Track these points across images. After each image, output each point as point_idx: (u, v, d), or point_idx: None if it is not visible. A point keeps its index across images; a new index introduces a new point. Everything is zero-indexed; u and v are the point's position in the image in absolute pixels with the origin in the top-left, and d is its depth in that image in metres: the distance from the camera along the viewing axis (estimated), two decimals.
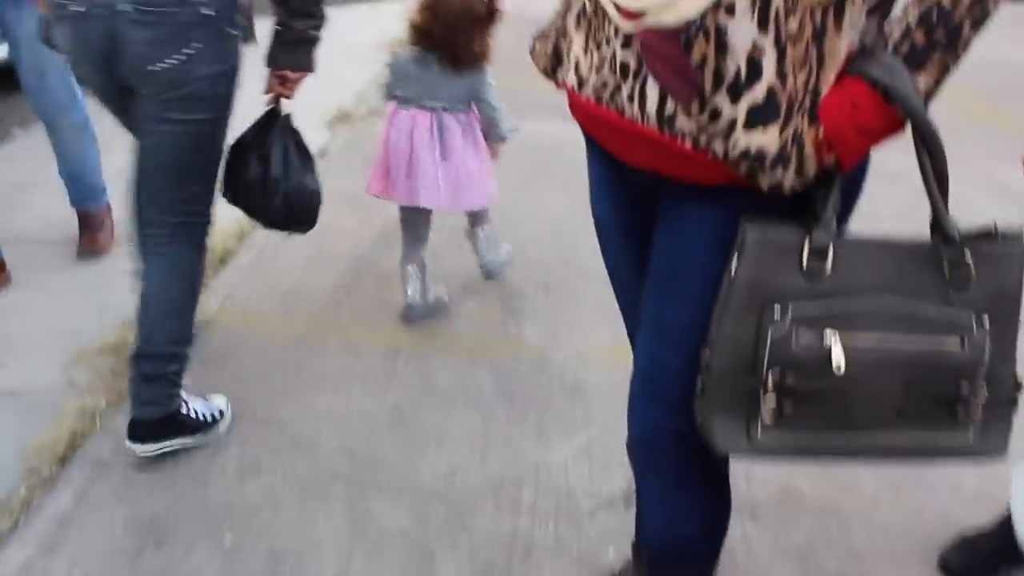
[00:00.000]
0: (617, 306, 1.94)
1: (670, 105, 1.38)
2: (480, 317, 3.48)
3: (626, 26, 1.38)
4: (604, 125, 1.51)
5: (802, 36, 1.31)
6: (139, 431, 2.57)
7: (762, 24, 1.30)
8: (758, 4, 1.29)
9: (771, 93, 1.33)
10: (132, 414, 2.58)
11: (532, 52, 1.72)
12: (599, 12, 1.44)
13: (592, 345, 3.28)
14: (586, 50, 1.50)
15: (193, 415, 2.66)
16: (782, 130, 1.34)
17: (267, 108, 2.63)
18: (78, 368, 2.99)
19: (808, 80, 1.34)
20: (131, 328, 3.16)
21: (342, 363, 3.12)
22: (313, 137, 4.91)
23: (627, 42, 1.40)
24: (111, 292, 3.43)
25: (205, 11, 2.27)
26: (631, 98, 1.42)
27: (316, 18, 2.47)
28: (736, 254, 1.43)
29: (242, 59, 2.44)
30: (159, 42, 2.26)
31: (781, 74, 1.32)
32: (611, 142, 1.56)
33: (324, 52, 2.62)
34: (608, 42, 1.43)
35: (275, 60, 2.52)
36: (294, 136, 2.68)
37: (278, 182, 2.61)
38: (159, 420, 2.59)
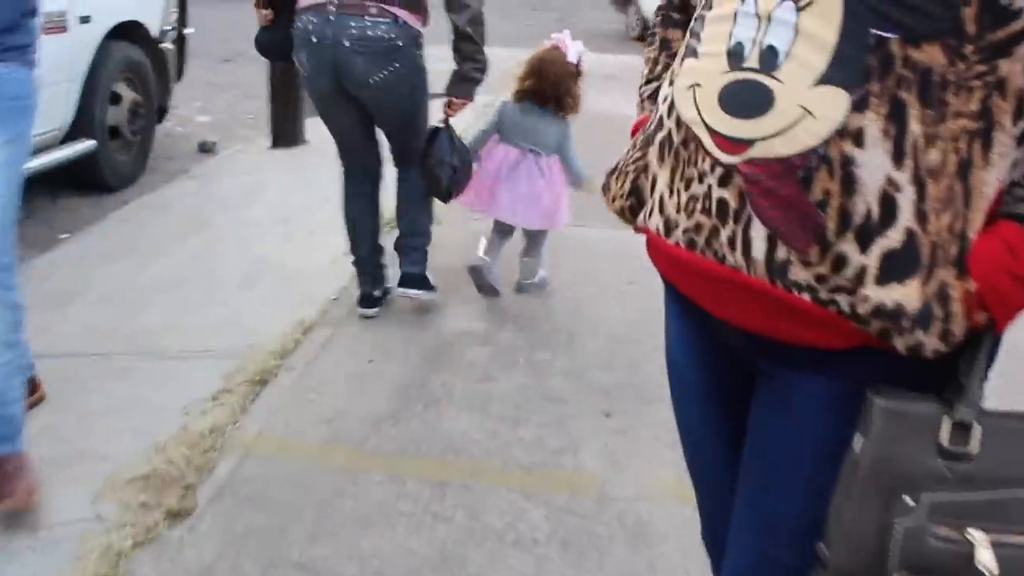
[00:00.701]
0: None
1: (782, 251, 1.14)
2: (534, 445, 3.24)
3: (726, 158, 1.17)
4: (696, 274, 1.27)
5: (945, 169, 1.09)
6: (409, 281, 4.08)
7: (897, 155, 1.08)
8: (892, 131, 1.08)
9: (910, 238, 1.10)
10: (403, 269, 4.11)
11: (604, 190, 1.50)
12: (690, 142, 1.23)
13: (656, 479, 3.02)
14: (672, 188, 1.27)
15: (431, 279, 4.15)
16: (925, 283, 1.10)
17: (440, 122, 3.83)
18: (106, 500, 2.80)
19: (954, 223, 1.11)
20: (163, 454, 3.01)
21: (386, 498, 2.89)
22: (321, 286, 4.69)
23: (726, 177, 1.17)
24: (144, 414, 3.26)
25: (398, 43, 3.57)
26: (732, 243, 1.18)
27: (479, 63, 3.71)
28: (861, 429, 1.19)
29: (427, 72, 3.79)
30: (371, 64, 3.57)
31: (921, 215, 1.09)
32: (704, 294, 1.31)
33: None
34: (702, 178, 1.21)
35: (449, 90, 3.78)
36: (451, 135, 3.82)
37: (443, 161, 3.80)
38: (420, 275, 4.10)
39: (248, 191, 6.01)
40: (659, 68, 1.59)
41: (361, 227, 4.11)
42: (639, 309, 4.21)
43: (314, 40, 3.58)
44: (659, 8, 1.61)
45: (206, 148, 7.52)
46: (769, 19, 1.14)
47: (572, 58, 4.10)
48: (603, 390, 3.63)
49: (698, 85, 1.22)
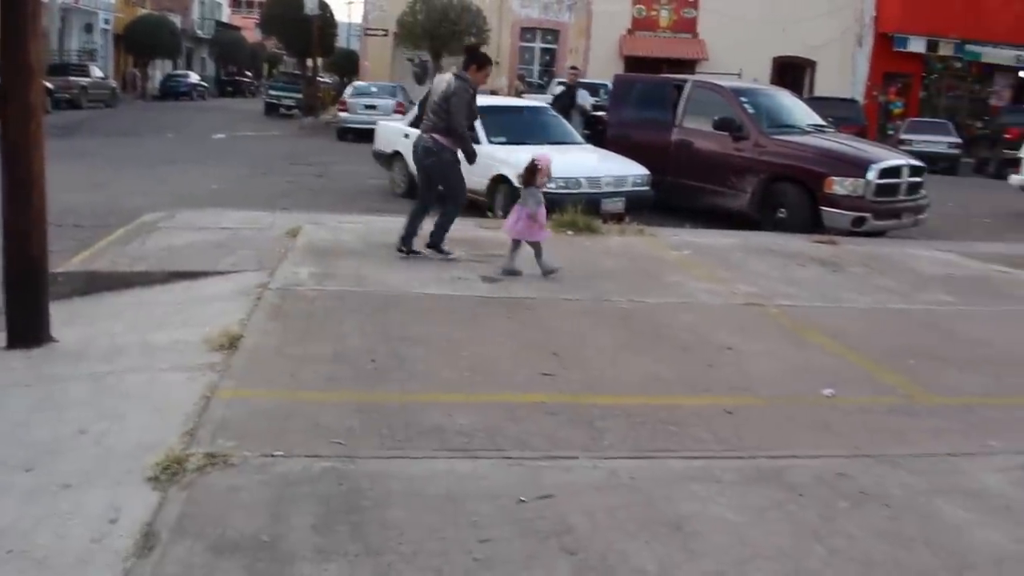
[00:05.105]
0: None
1: None
2: None
3: None
4: None
5: None
6: (431, 245, 8.65)
7: None
8: None
9: None
10: (429, 240, 8.67)
11: None
12: None
13: None
14: None
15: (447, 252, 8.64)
16: None
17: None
18: None
19: None
20: None
21: None
22: (129, 507, 3.59)
23: None
24: None
25: (434, 149, 8.41)
26: None
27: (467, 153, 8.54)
28: None
29: (453, 162, 8.46)
30: (427, 156, 8.52)
31: None
32: None
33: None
34: None
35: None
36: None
37: None
38: (436, 245, 8.65)
39: None
40: None
41: (414, 221, 8.60)
42: None
43: (419, 148, 8.58)
44: None
45: None
46: None
47: (543, 164, 8.10)
48: None
49: None
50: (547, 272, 7.96)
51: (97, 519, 3.55)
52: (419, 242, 8.63)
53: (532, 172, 8.04)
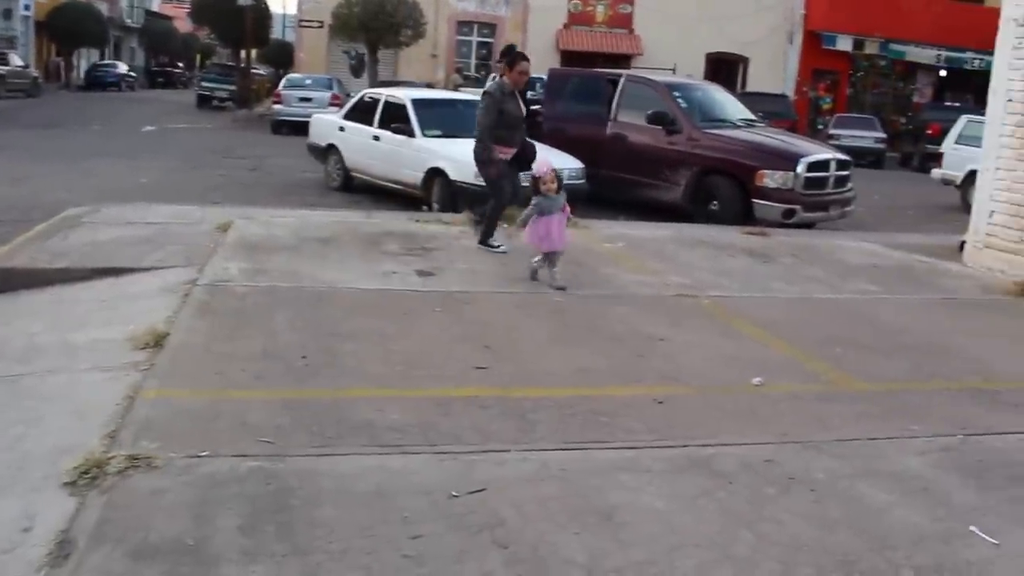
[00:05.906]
0: None
1: None
2: None
3: None
4: None
5: None
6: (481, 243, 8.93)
7: None
8: None
9: None
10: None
11: None
12: None
13: None
14: None
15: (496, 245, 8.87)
16: None
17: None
18: None
19: None
20: None
21: None
22: (44, 514, 3.50)
23: None
24: None
25: (479, 150, 8.73)
26: None
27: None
28: None
29: (495, 154, 8.74)
30: (474, 157, 8.93)
31: None
32: None
33: None
34: None
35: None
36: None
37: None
38: (480, 242, 8.94)
39: None
40: None
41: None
42: None
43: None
44: None
45: None
46: None
47: (540, 172, 7.70)
48: None
49: None
50: (554, 286, 7.52)
51: (9, 528, 3.42)
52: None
53: (535, 181, 7.69)
